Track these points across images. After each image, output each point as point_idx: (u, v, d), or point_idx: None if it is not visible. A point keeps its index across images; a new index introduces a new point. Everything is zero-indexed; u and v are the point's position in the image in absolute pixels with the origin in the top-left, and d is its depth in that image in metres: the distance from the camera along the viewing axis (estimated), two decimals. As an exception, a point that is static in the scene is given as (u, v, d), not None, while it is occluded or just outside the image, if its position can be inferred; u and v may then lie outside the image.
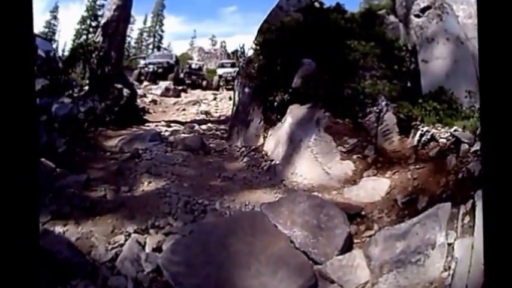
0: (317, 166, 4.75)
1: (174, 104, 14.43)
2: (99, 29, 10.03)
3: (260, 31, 8.12)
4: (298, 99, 6.11)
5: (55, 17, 58.87)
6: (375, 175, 4.32)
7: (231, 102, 15.23)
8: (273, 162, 5.67)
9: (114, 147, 7.14)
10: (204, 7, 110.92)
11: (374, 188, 4.00)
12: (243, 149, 6.93)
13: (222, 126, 9.76)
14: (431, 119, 4.58)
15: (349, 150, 4.95)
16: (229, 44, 55.42)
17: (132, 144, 6.91)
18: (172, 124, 9.58)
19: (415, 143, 4.37)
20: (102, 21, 10.14)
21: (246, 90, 7.62)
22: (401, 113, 4.77)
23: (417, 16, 6.28)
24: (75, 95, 9.36)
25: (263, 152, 6.36)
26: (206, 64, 37.61)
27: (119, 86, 9.24)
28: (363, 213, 3.66)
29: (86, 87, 9.40)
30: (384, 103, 5.07)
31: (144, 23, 61.90)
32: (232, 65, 31.39)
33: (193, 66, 29.81)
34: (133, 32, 61.41)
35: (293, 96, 6.14)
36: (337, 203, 3.72)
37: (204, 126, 9.72)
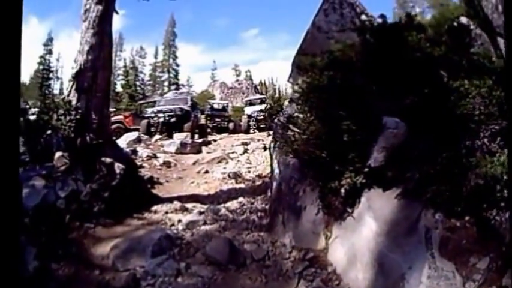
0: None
1: (194, 164, 13.01)
2: (71, 82, 8.30)
3: (297, 68, 6.63)
4: (378, 182, 4.47)
5: (50, 51, 60.33)
6: None
7: (266, 153, 13.86)
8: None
9: (104, 260, 5.75)
10: (223, 33, 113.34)
11: None
12: (295, 254, 5.33)
13: (259, 201, 8.16)
14: None
15: (481, 283, 3.28)
16: (254, 73, 55.18)
17: (128, 258, 5.46)
18: (189, 205, 8.00)
19: None
20: (74, 70, 8.32)
21: (290, 161, 6.02)
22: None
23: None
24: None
25: (328, 269, 4.71)
26: (231, 102, 37.03)
27: (108, 160, 7.63)
28: None
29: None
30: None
31: (156, 56, 62.72)
32: (262, 102, 30.42)
33: (215, 106, 29.23)
34: (145, 68, 62.31)
35: (371, 177, 4.50)
36: None
37: (233, 204, 8.06)
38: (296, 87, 6.19)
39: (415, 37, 5.29)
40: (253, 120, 26.80)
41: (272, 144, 6.99)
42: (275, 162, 6.67)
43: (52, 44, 61.30)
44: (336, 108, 4.78)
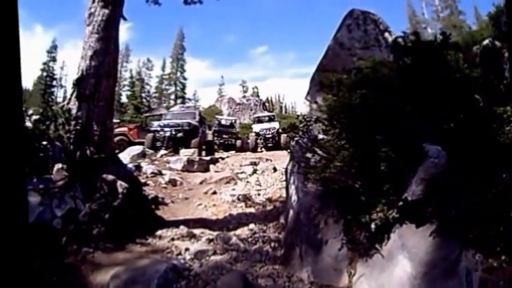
0: None
1: (201, 183, 12.59)
2: (72, 89, 7.71)
3: (319, 84, 6.24)
4: (412, 217, 4.06)
5: (53, 59, 60.66)
6: None
7: (276, 175, 13.45)
8: None
9: (103, 292, 5.32)
10: (232, 49, 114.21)
11: None
12: (314, 292, 4.92)
13: (271, 229, 7.73)
14: None
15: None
16: (261, 89, 55.29)
17: (130, 291, 5.04)
18: (196, 231, 7.54)
19: None
20: (76, 76, 7.73)
21: (311, 187, 5.60)
22: None
23: None
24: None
25: (354, 312, 4.30)
26: (239, 118, 36.78)
27: (110, 177, 7.10)
28: None
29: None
30: None
31: (163, 69, 62.81)
32: (270, 119, 30.13)
33: (223, 122, 28.97)
34: (152, 80, 62.31)
35: (405, 212, 4.08)
36: None
37: (244, 232, 7.62)
38: (315, 106, 5.84)
39: (453, 56, 4.90)
40: (261, 139, 26.46)
41: (290, 168, 6.56)
42: (292, 187, 6.25)
43: (56, 52, 61.71)
44: (372, 131, 4.37)
